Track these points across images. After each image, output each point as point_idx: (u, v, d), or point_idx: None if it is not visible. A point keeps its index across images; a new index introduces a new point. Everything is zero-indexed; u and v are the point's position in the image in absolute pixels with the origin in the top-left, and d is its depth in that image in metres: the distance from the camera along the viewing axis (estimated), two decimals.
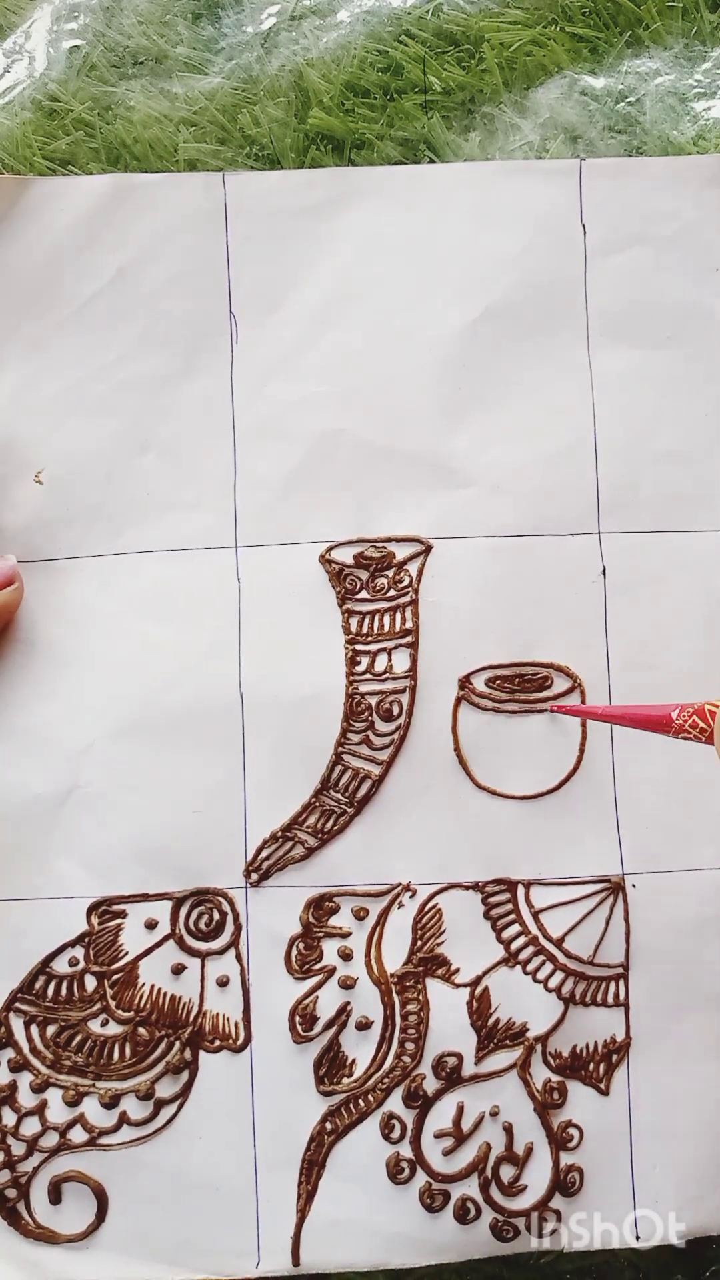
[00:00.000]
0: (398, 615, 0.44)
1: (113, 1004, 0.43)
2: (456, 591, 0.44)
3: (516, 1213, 0.42)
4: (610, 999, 0.43)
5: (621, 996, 0.43)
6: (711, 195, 0.45)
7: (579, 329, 0.45)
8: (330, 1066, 0.43)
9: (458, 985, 0.43)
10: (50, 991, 0.43)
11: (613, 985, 0.43)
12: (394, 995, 0.43)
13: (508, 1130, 0.42)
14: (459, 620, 0.44)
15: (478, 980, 0.43)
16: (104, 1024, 0.43)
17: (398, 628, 0.44)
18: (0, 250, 0.45)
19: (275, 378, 0.45)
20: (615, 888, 0.43)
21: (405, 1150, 0.42)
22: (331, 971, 0.43)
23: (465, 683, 0.44)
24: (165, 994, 0.43)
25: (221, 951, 0.43)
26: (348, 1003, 0.43)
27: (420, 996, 0.43)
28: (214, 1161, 0.42)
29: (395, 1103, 0.43)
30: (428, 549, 0.44)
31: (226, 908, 0.43)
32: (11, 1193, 0.42)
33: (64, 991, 0.43)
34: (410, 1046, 0.43)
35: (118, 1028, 0.43)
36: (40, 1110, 0.43)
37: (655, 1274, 0.43)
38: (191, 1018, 0.43)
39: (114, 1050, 0.43)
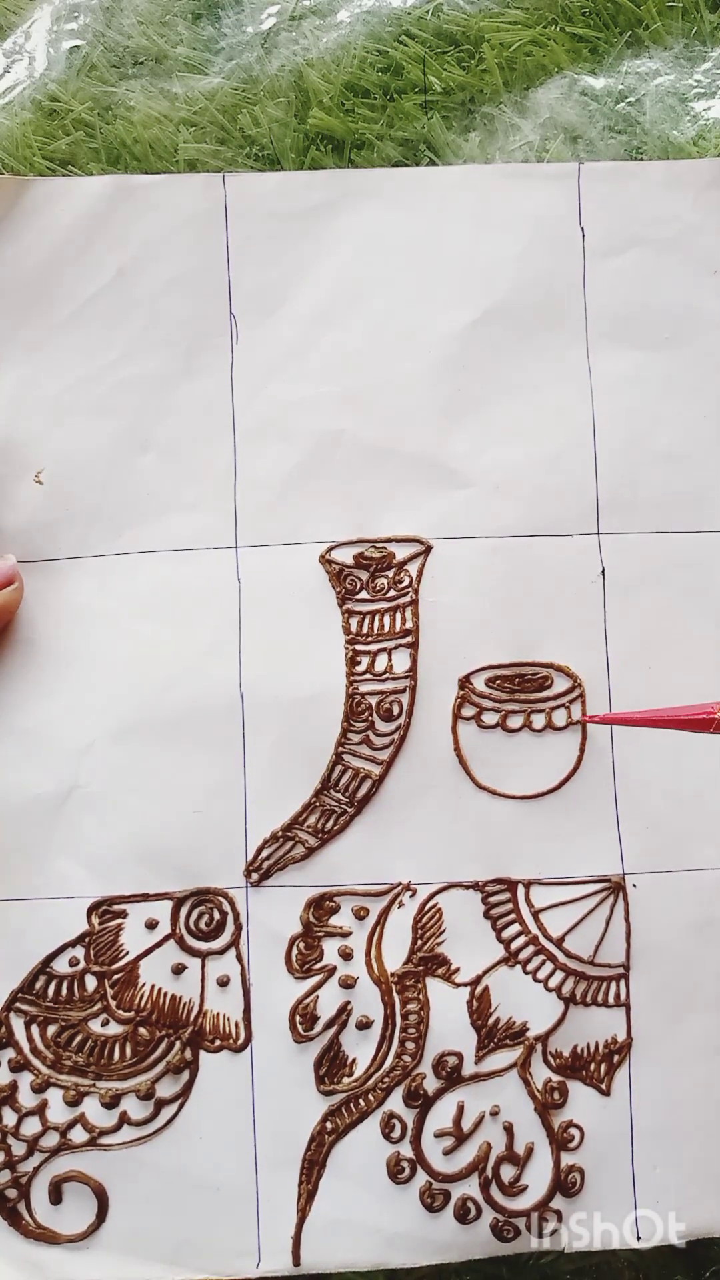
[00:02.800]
0: (398, 615, 0.44)
1: (113, 1004, 0.43)
2: (456, 592, 0.44)
3: (517, 1213, 0.42)
4: (611, 999, 0.43)
5: (622, 996, 0.43)
6: (709, 198, 0.45)
7: (578, 331, 0.45)
8: (331, 1066, 0.43)
9: (458, 985, 0.43)
10: (51, 991, 0.43)
11: (613, 985, 0.43)
12: (394, 995, 0.43)
13: (508, 1130, 0.42)
14: (459, 620, 0.44)
15: (478, 980, 0.43)
16: (104, 1024, 0.43)
17: (398, 628, 0.44)
18: (0, 250, 0.45)
19: (275, 378, 0.45)
20: (616, 887, 0.43)
21: (406, 1150, 0.42)
22: (332, 971, 0.43)
23: (465, 683, 0.44)
24: (166, 994, 0.43)
25: (222, 951, 0.43)
26: (348, 1002, 0.43)
27: (420, 996, 0.43)
28: (214, 1161, 0.42)
29: (395, 1102, 0.43)
30: (428, 549, 0.44)
31: (227, 907, 0.43)
32: (12, 1193, 0.42)
33: (64, 991, 0.43)
34: (410, 1046, 0.43)
35: (118, 1028, 0.43)
36: (41, 1110, 0.43)
37: (655, 1274, 0.43)
38: (192, 1017, 0.43)
39: (114, 1050, 0.43)
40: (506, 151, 0.46)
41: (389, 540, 0.45)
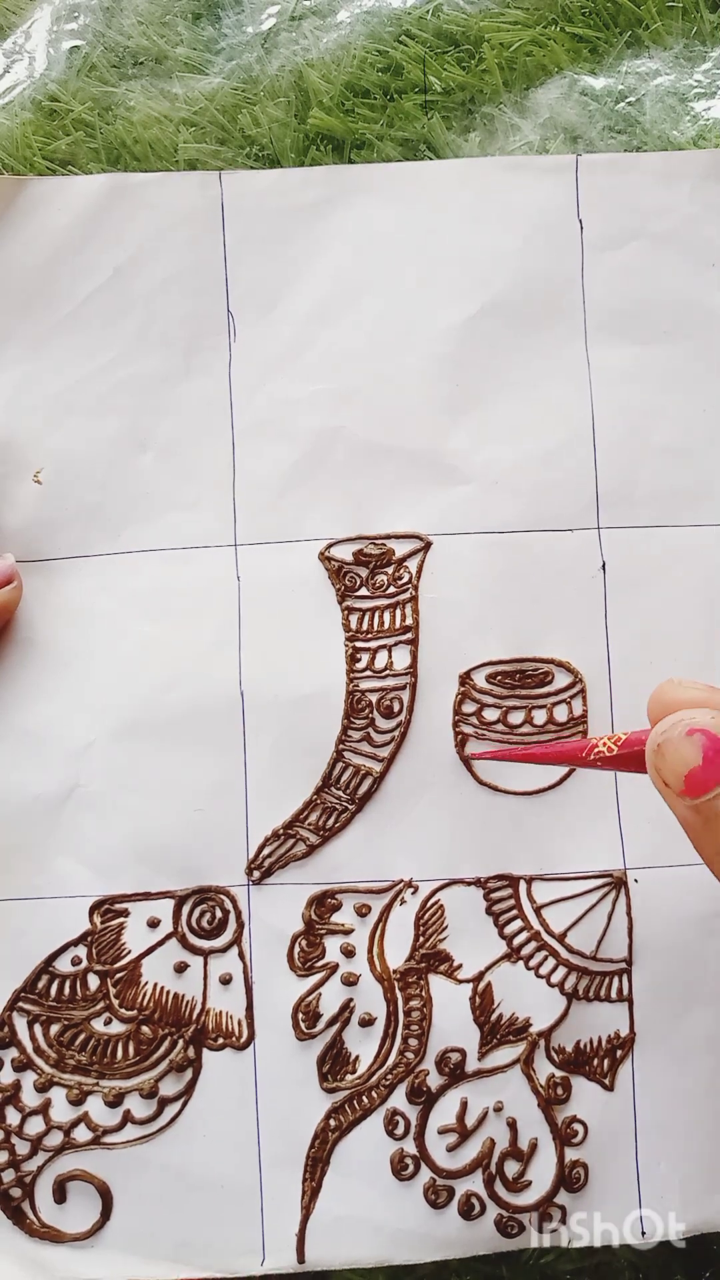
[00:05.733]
0: (398, 612, 0.44)
1: (116, 1003, 0.43)
2: (456, 588, 0.44)
3: (521, 1208, 0.42)
4: (614, 994, 0.43)
5: (625, 992, 0.43)
6: (708, 190, 0.45)
7: (576, 325, 0.45)
8: (333, 1063, 0.43)
9: (460, 981, 0.43)
10: (53, 991, 0.43)
11: (616, 980, 0.43)
12: (397, 991, 0.43)
13: (512, 1126, 0.42)
14: (459, 616, 0.44)
15: (480, 976, 0.43)
16: (107, 1023, 0.43)
17: (398, 624, 0.44)
18: None
19: (274, 376, 0.45)
20: (617, 883, 0.43)
21: (409, 1146, 0.42)
22: (334, 968, 0.43)
23: (466, 679, 0.44)
24: (168, 992, 0.43)
25: (224, 949, 0.43)
26: (350, 999, 0.43)
27: (423, 993, 0.43)
28: (218, 1159, 0.42)
29: (399, 1099, 0.43)
30: (427, 545, 0.45)
31: (229, 906, 0.43)
32: (16, 1192, 0.42)
33: (67, 990, 0.43)
34: (413, 1043, 0.43)
35: (121, 1026, 0.43)
36: (44, 1109, 0.42)
37: (655, 1274, 0.43)
38: (195, 1016, 0.43)
39: (117, 1049, 0.43)
40: (506, 151, 0.46)
41: (388, 537, 0.45)
